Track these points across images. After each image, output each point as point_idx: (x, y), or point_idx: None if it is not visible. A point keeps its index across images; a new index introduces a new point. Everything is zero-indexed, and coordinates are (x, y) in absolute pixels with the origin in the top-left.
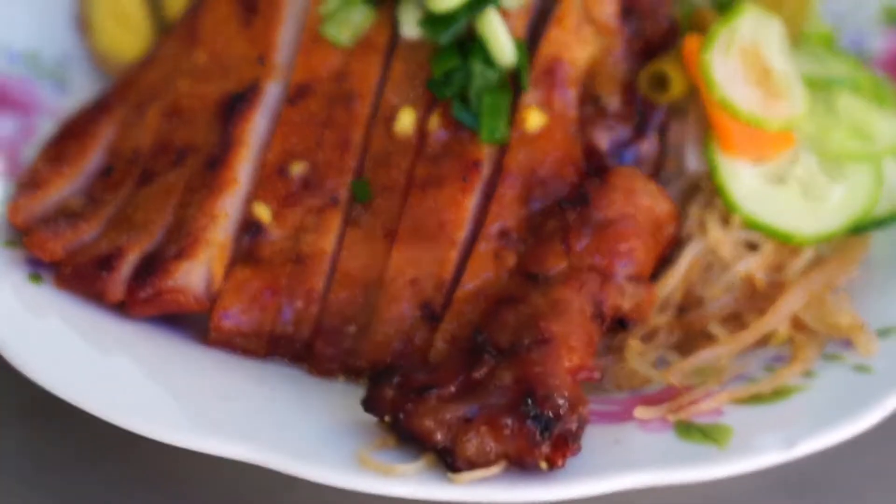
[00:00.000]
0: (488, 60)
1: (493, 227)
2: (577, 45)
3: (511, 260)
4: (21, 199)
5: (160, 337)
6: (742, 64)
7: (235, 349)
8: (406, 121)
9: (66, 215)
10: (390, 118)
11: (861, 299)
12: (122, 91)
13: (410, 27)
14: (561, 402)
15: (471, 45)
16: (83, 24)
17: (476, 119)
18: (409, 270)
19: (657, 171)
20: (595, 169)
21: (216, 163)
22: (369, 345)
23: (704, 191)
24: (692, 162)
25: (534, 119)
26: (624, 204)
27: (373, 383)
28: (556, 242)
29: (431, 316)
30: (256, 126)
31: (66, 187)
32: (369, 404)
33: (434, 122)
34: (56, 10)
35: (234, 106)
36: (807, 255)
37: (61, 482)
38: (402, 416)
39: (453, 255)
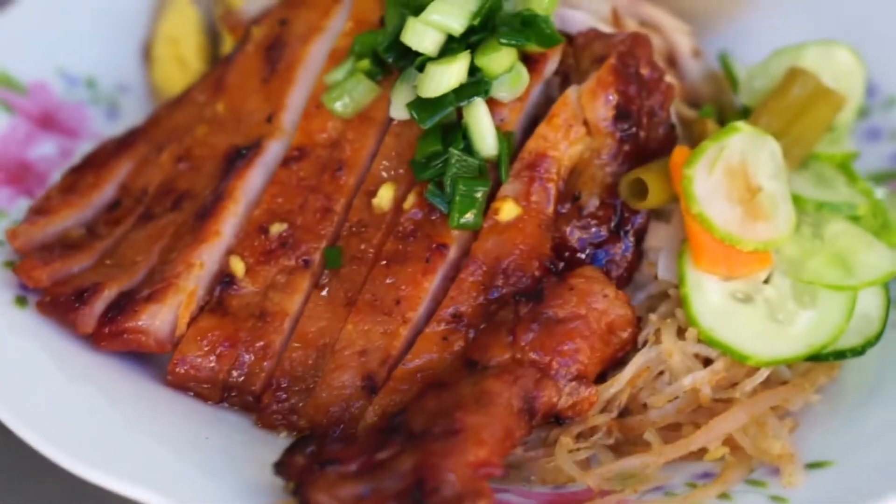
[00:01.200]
0: (469, 148)
1: (446, 310)
2: (565, 143)
3: (458, 344)
4: (22, 225)
5: (131, 372)
6: (725, 181)
7: (191, 393)
8: (385, 196)
9: (63, 245)
10: (373, 191)
11: (811, 428)
12: (148, 129)
13: (399, 109)
14: (449, 495)
15: (454, 131)
16: (147, 55)
17: (448, 203)
18: (359, 341)
19: (630, 274)
20: (566, 265)
21: (206, 213)
22: (311, 406)
23: (671, 299)
24: (663, 270)
25: (507, 210)
26: (577, 305)
27: (288, 448)
28: (504, 334)
29: (372, 388)
30: (251, 182)
31: (71, 217)
32: (279, 468)
33: (410, 200)
34: (122, 39)
35: (236, 161)
36: (761, 375)
37: None
38: (302, 485)
39: (404, 333)
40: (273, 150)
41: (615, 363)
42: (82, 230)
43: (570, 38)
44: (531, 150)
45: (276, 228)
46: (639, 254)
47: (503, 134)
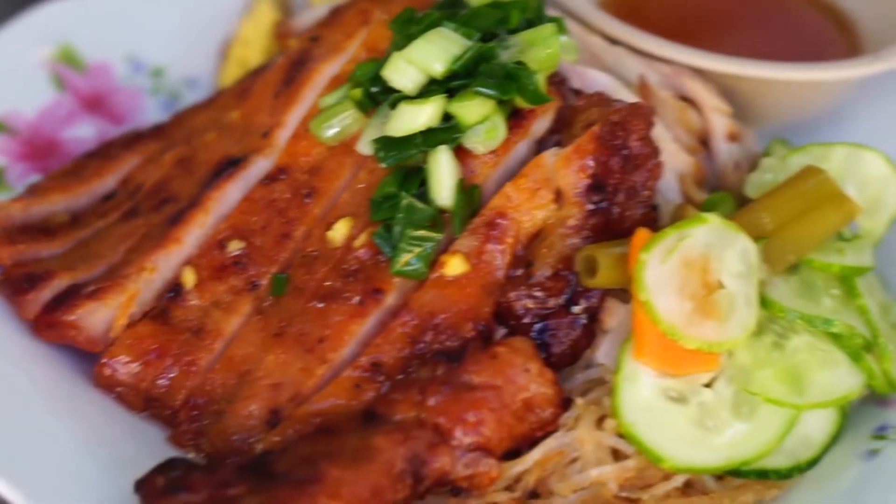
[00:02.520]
0: (424, 196)
1: (366, 358)
2: (529, 206)
3: (369, 394)
4: (6, 202)
5: (72, 367)
6: (681, 273)
7: (115, 397)
8: (340, 230)
9: (41, 228)
10: (332, 224)
11: None
12: (169, 126)
13: (365, 144)
14: None
15: (415, 176)
16: (224, 54)
17: (393, 248)
18: (276, 373)
19: (576, 352)
20: (509, 332)
21: (175, 220)
22: (216, 431)
23: (606, 386)
24: (602, 354)
25: (454, 266)
26: (494, 375)
27: (157, 467)
28: (415, 391)
29: (274, 423)
30: (228, 195)
31: (62, 202)
32: (139, 486)
33: (361, 239)
34: (205, 35)
35: (221, 171)
36: (676, 481)
37: None
38: None
39: (320, 372)
40: (259, 167)
41: (532, 442)
42: (67, 216)
43: None
44: (493, 207)
45: (234, 246)
46: (590, 333)
47: (466, 187)
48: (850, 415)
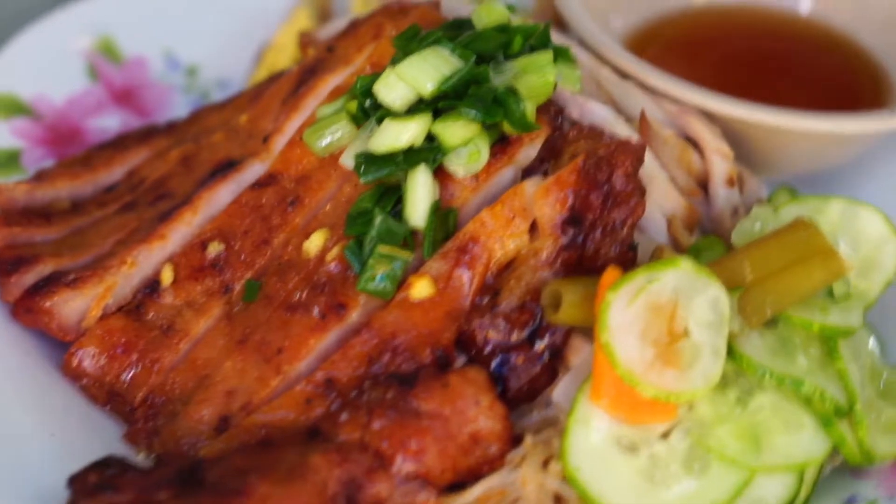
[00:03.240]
0: (399, 214)
1: (322, 373)
2: (502, 234)
3: (319, 411)
4: (11, 184)
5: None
6: (645, 317)
7: (80, 388)
8: (315, 242)
9: (42, 213)
10: (310, 234)
11: None
12: (184, 124)
13: (348, 157)
14: None
15: (392, 194)
16: (260, 58)
17: (362, 264)
18: (232, 380)
19: (535, 389)
20: (469, 361)
21: (164, 216)
22: (168, 432)
23: (560, 426)
24: (559, 393)
25: (420, 288)
26: (442, 404)
27: (94, 464)
28: (363, 413)
29: (222, 430)
30: (219, 197)
31: (66, 189)
32: (72, 481)
33: (333, 252)
34: (245, 37)
35: (217, 172)
36: None
37: None
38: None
39: (273, 384)
40: (253, 171)
41: (477, 476)
42: (68, 203)
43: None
44: (467, 232)
45: (214, 248)
46: (551, 370)
47: (442, 209)
48: (820, 483)
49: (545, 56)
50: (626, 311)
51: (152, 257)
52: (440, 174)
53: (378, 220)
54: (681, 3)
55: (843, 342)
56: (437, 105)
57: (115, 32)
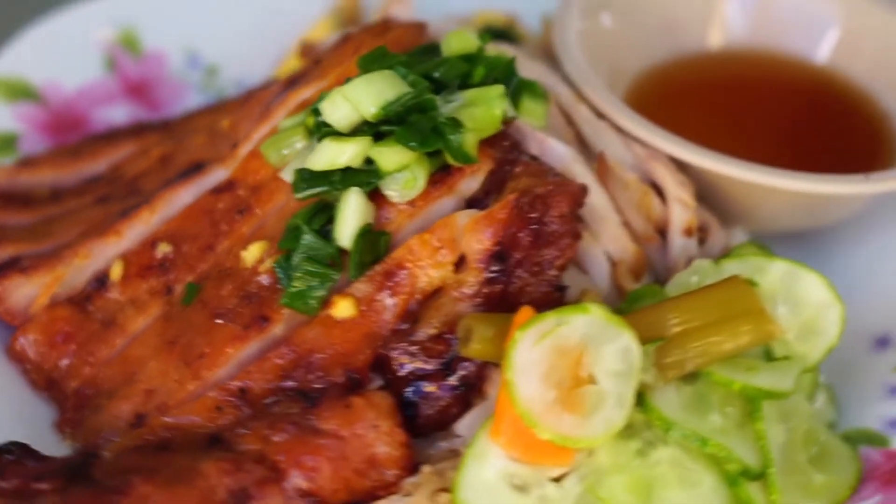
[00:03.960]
0: (328, 233)
1: (235, 383)
2: (428, 263)
3: (228, 419)
4: None
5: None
6: (551, 359)
7: (22, 372)
8: (254, 252)
9: (23, 198)
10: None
11: None
12: (175, 122)
13: (288, 172)
14: None
15: (326, 212)
16: (282, 62)
17: (288, 280)
18: (154, 380)
19: (445, 419)
20: (385, 385)
21: (125, 213)
22: (90, 424)
23: (459, 458)
24: (463, 425)
25: (342, 308)
26: (342, 424)
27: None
28: (266, 425)
29: (135, 427)
30: (180, 198)
31: (49, 177)
32: None
33: (267, 264)
34: (271, 40)
35: (183, 174)
36: None
37: None
38: None
39: (190, 388)
40: (216, 176)
41: (374, 499)
42: (48, 192)
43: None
44: (394, 258)
45: (162, 248)
46: (464, 402)
47: (374, 232)
48: None
49: (495, 90)
50: (532, 350)
51: (106, 252)
52: (378, 197)
53: (306, 236)
54: (695, 46)
55: (775, 404)
56: (380, 129)
57: (139, 25)
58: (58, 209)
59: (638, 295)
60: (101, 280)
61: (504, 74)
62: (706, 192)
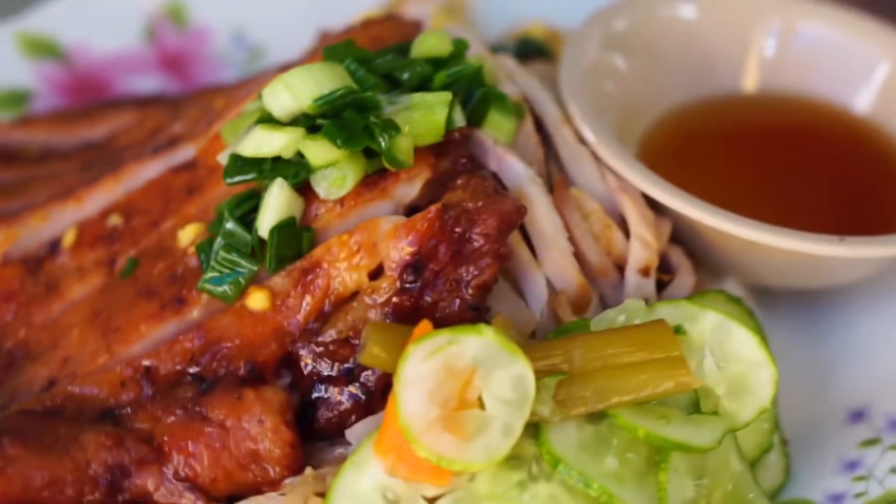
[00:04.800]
0: (248, 222)
1: (144, 361)
2: (344, 265)
3: (129, 395)
4: None
5: None
6: (438, 376)
7: None
8: (188, 233)
9: (11, 155)
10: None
11: None
12: (185, 99)
13: (224, 155)
14: None
15: (252, 200)
16: None
17: (206, 265)
18: (72, 348)
19: (343, 423)
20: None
21: (90, 181)
22: (11, 384)
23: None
24: (353, 432)
25: (255, 300)
26: (228, 415)
27: None
28: (160, 406)
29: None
30: (146, 171)
31: (43, 137)
32: None
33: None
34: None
35: (155, 148)
36: None
37: None
38: None
39: (101, 361)
40: (184, 153)
41: (256, 493)
42: (40, 153)
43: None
44: (313, 255)
45: (113, 220)
46: (365, 409)
47: (295, 227)
48: None
49: (440, 97)
50: (421, 365)
51: (65, 217)
52: (309, 193)
53: (228, 223)
54: (724, 88)
55: (691, 458)
56: (316, 122)
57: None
58: (43, 170)
59: (566, 328)
60: (54, 245)
61: (470, 83)
62: (691, 237)
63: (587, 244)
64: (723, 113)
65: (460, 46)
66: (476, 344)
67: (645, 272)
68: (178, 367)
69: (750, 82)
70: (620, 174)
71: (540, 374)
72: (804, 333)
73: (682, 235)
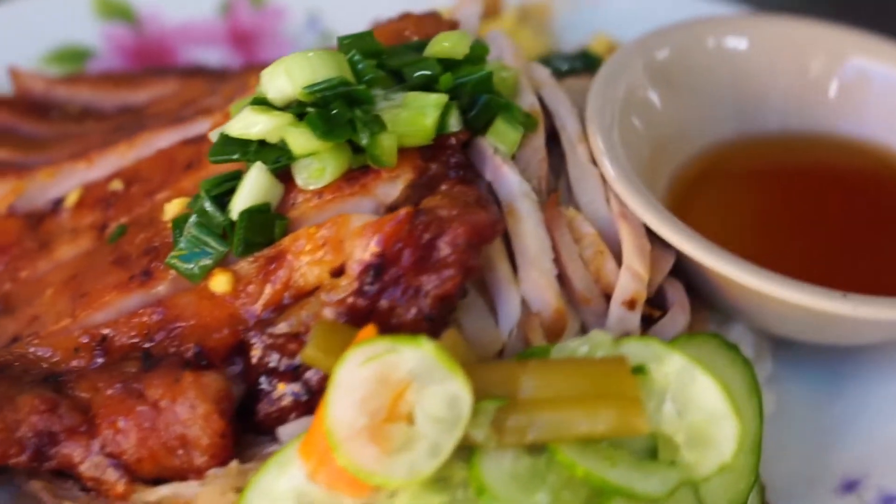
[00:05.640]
0: (224, 203)
1: (101, 330)
2: (308, 258)
3: (80, 362)
4: (33, 74)
5: None
6: (371, 385)
7: None
8: (174, 206)
9: (47, 110)
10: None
11: None
12: (233, 74)
13: (216, 132)
14: None
15: (231, 181)
16: None
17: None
18: (42, 308)
19: (283, 419)
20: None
21: (105, 144)
22: None
23: None
24: (285, 431)
25: (218, 282)
26: (163, 396)
27: None
28: (104, 377)
29: (5, 347)
30: (159, 140)
31: (85, 96)
32: None
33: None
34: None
35: (175, 119)
36: None
37: None
38: None
39: (63, 324)
40: (199, 127)
41: (181, 478)
42: (79, 111)
43: None
44: (281, 244)
45: (114, 185)
46: (307, 408)
47: (267, 213)
48: None
49: (435, 98)
50: (356, 371)
51: (73, 177)
52: (290, 182)
53: (200, 202)
54: (776, 124)
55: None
56: (305, 110)
57: None
58: (75, 128)
59: (529, 353)
60: (57, 203)
61: (476, 88)
62: (698, 276)
63: (574, 268)
64: (766, 152)
65: (478, 51)
66: (414, 356)
67: (630, 304)
68: (133, 341)
69: (799, 120)
70: (624, 201)
71: (480, 397)
72: (818, 389)
73: (691, 275)
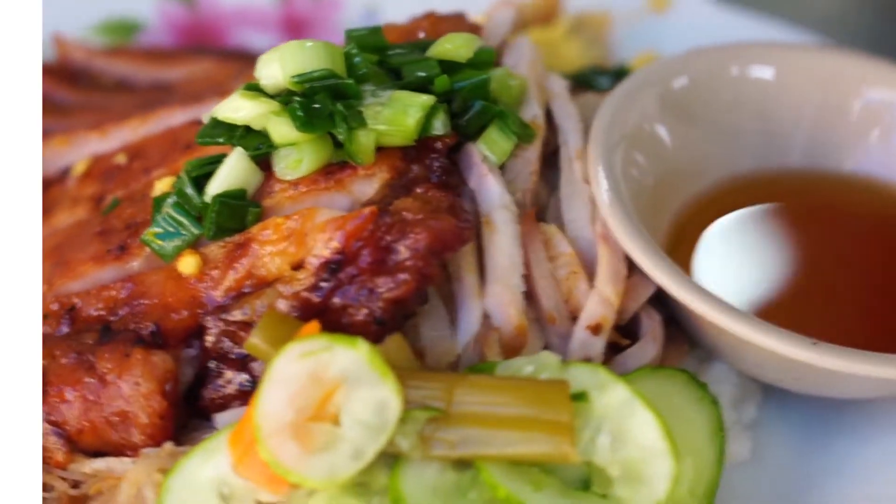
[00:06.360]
0: (203, 187)
1: (75, 299)
2: (272, 248)
3: (49, 328)
4: (75, 43)
5: None
6: (302, 382)
7: None
8: (163, 184)
9: (85, 78)
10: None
11: None
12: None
13: (206, 116)
14: None
15: (213, 165)
16: None
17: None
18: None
19: (226, 406)
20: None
21: (121, 118)
22: None
23: None
24: (221, 418)
25: (186, 264)
26: (110, 371)
27: None
28: (63, 347)
29: None
30: (170, 119)
31: (121, 69)
32: None
33: None
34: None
35: (193, 98)
36: None
37: None
38: None
39: (42, 290)
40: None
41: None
42: (114, 83)
43: None
44: (249, 232)
45: (119, 159)
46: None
47: (241, 199)
48: None
49: (420, 99)
50: (291, 365)
51: (86, 146)
52: (270, 170)
53: (179, 184)
54: (799, 159)
55: None
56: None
57: None
58: (101, 99)
59: (479, 369)
60: (65, 172)
61: (471, 94)
62: (681, 311)
63: (544, 286)
64: (783, 189)
65: (483, 55)
66: (347, 357)
67: (595, 329)
68: (99, 313)
69: (823, 157)
70: (608, 223)
71: (411, 405)
72: (803, 438)
73: (675, 309)
